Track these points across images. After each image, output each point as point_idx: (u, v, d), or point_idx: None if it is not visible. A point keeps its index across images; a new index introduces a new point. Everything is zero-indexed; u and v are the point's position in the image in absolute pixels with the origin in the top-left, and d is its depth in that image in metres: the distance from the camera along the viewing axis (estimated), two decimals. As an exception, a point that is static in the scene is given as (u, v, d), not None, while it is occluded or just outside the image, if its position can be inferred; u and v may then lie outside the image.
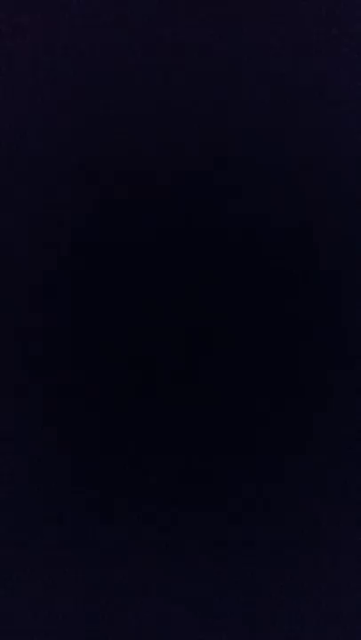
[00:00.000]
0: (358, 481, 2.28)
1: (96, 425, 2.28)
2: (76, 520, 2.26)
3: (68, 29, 2.35)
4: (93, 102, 2.34)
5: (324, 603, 2.26)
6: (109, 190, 2.33)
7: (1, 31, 2.35)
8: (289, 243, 2.32)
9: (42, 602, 2.25)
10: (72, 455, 2.27)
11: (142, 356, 2.29)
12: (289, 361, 2.30)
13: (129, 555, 2.26)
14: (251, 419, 2.28)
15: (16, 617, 2.26)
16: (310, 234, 2.32)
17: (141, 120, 2.34)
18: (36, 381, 2.29)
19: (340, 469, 2.28)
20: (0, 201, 2.32)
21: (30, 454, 2.27)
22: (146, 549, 2.26)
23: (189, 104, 2.34)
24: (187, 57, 2.34)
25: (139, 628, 2.25)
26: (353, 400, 2.29)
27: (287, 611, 2.25)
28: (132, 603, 2.25)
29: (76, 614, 2.25)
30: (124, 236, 2.32)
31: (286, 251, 2.32)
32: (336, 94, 2.34)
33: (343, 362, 2.30)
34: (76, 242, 2.31)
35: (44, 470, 2.27)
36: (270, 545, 2.26)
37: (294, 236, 2.32)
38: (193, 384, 2.28)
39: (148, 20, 2.35)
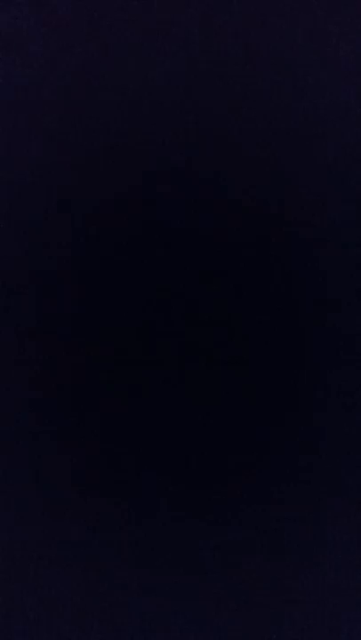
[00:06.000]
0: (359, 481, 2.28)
1: (97, 426, 2.28)
2: (75, 522, 2.26)
3: (68, 31, 2.35)
4: (94, 103, 2.34)
5: (326, 605, 2.26)
6: (109, 190, 2.33)
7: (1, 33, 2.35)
8: (290, 241, 2.32)
9: (40, 601, 2.26)
10: (72, 456, 2.27)
11: (142, 359, 2.29)
12: (293, 361, 2.30)
13: (128, 556, 2.26)
14: (252, 420, 2.28)
15: (15, 616, 2.26)
16: (312, 232, 2.32)
17: (142, 119, 2.34)
18: (35, 381, 2.29)
19: (342, 470, 2.28)
20: (1, 200, 2.33)
21: (30, 453, 2.28)
22: (145, 550, 2.26)
23: (190, 105, 2.34)
24: (187, 57, 2.34)
25: (137, 628, 2.25)
26: (355, 400, 2.29)
27: (287, 613, 2.25)
28: (131, 603, 2.26)
29: (74, 617, 2.25)
30: (124, 237, 2.32)
31: (288, 249, 2.31)
32: (336, 92, 2.34)
33: (346, 361, 2.30)
34: (78, 241, 2.31)
35: (43, 470, 2.27)
36: (271, 547, 2.26)
37: (296, 234, 2.32)
38: (196, 384, 2.28)
39: (149, 22, 2.35)
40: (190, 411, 2.28)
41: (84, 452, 2.27)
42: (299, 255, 2.31)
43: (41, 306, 2.30)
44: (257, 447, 2.27)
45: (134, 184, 2.32)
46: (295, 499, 2.27)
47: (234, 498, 2.26)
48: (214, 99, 2.33)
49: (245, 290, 2.30)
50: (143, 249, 2.31)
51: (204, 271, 2.31)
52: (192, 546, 2.26)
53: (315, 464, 2.27)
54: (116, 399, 2.28)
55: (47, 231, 2.32)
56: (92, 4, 2.35)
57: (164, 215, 2.31)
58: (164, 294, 2.30)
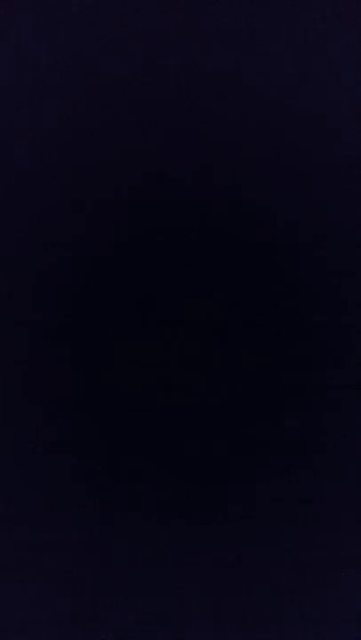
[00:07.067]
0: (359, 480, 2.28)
1: (96, 421, 2.28)
2: (74, 522, 2.26)
3: (68, 29, 2.36)
4: (93, 102, 2.36)
5: (325, 604, 2.25)
6: (109, 191, 2.34)
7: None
8: (290, 241, 2.33)
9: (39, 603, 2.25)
10: (72, 456, 2.27)
11: (142, 355, 2.30)
12: (294, 362, 2.30)
13: (128, 558, 2.26)
14: (254, 420, 2.28)
15: (14, 615, 2.26)
16: (314, 232, 2.33)
17: (142, 118, 2.35)
18: (34, 380, 2.29)
19: (343, 466, 2.28)
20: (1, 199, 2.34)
21: (29, 453, 2.28)
22: (145, 551, 2.26)
23: (190, 105, 2.35)
24: (187, 57, 2.35)
25: (137, 629, 2.24)
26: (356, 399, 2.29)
27: (287, 612, 2.25)
28: (131, 602, 2.25)
29: (73, 615, 2.25)
30: (124, 238, 2.32)
31: (288, 249, 2.32)
32: (337, 91, 2.35)
33: (348, 360, 2.30)
34: (78, 240, 2.32)
35: (41, 467, 2.28)
36: (272, 548, 2.26)
37: (296, 234, 2.33)
38: (197, 382, 2.29)
39: (149, 21, 2.37)
40: (190, 407, 2.28)
41: (83, 449, 2.27)
42: (299, 255, 2.32)
43: (39, 306, 2.31)
44: (258, 445, 2.27)
45: (134, 184, 2.33)
46: (296, 497, 2.27)
47: (235, 496, 2.27)
48: (214, 98, 2.35)
49: (245, 291, 2.31)
50: (143, 249, 2.32)
51: (204, 272, 2.31)
52: (192, 544, 2.26)
53: (316, 461, 2.27)
54: (115, 396, 2.28)
55: (47, 231, 2.33)
56: (92, 3, 2.37)
57: (164, 215, 2.32)
58: (165, 296, 2.31)
